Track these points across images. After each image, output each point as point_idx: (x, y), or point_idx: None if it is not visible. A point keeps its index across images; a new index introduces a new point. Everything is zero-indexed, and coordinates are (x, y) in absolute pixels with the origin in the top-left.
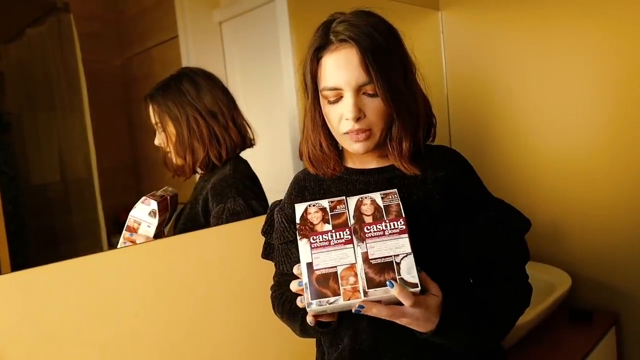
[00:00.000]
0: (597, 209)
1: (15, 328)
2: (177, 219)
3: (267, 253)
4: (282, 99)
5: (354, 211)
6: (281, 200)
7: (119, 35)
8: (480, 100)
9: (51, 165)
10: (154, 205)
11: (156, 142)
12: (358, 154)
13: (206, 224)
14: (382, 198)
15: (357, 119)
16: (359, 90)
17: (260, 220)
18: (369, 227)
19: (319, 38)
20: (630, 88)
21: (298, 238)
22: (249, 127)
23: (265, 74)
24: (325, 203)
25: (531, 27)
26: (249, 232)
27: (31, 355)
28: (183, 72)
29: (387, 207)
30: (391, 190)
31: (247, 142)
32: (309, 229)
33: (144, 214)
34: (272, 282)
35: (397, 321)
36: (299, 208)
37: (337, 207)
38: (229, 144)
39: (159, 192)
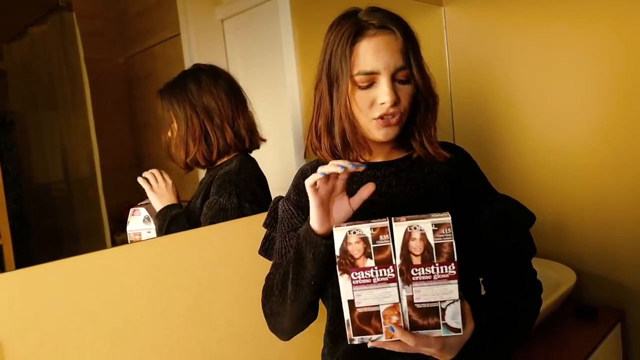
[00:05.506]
0: (602, 205)
1: (19, 325)
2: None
3: (265, 248)
4: (285, 96)
5: (401, 248)
6: (283, 196)
7: (121, 33)
8: (484, 96)
9: (54, 164)
10: (144, 212)
11: (167, 134)
12: (377, 143)
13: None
14: (434, 231)
15: (394, 103)
16: (393, 76)
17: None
18: (416, 270)
19: (352, 26)
20: (635, 83)
21: (338, 273)
22: (254, 130)
23: (268, 72)
24: (366, 230)
25: (534, 22)
26: (254, 228)
27: (35, 353)
28: (191, 70)
29: (438, 245)
30: (445, 220)
31: (247, 145)
32: (349, 264)
33: (139, 224)
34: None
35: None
36: (339, 234)
37: (380, 237)
38: (221, 145)
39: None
